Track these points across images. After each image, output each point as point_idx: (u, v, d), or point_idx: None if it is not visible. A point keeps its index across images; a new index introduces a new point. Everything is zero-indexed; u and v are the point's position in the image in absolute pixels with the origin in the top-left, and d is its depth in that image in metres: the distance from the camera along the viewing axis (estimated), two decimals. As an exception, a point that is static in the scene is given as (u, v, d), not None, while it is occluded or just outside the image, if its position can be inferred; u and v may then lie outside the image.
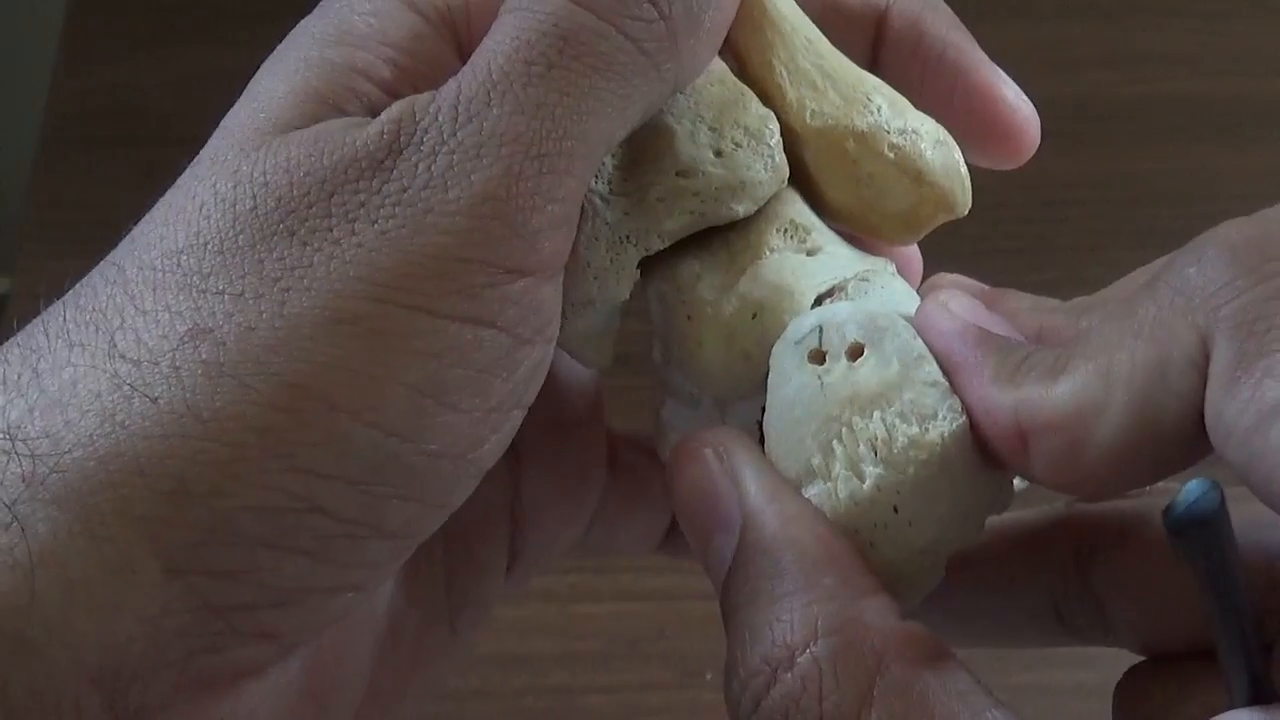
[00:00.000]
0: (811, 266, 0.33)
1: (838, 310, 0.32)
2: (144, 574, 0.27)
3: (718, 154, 0.33)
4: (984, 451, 0.30)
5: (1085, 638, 0.34)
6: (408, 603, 0.35)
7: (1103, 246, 0.73)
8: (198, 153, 0.31)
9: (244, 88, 0.32)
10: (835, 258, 0.34)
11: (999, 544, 0.34)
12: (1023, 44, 0.78)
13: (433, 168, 0.29)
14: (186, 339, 0.28)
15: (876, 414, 0.30)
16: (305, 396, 0.28)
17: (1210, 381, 0.27)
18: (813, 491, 0.31)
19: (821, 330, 0.32)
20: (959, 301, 0.32)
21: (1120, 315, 0.29)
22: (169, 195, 0.31)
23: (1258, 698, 0.27)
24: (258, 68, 0.32)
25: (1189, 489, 0.25)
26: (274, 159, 0.29)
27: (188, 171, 0.31)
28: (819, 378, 0.31)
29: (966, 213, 0.35)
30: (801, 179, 0.34)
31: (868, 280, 0.33)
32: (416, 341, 0.28)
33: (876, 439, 0.30)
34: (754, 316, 0.33)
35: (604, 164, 0.33)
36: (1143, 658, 0.33)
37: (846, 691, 0.28)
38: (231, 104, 0.31)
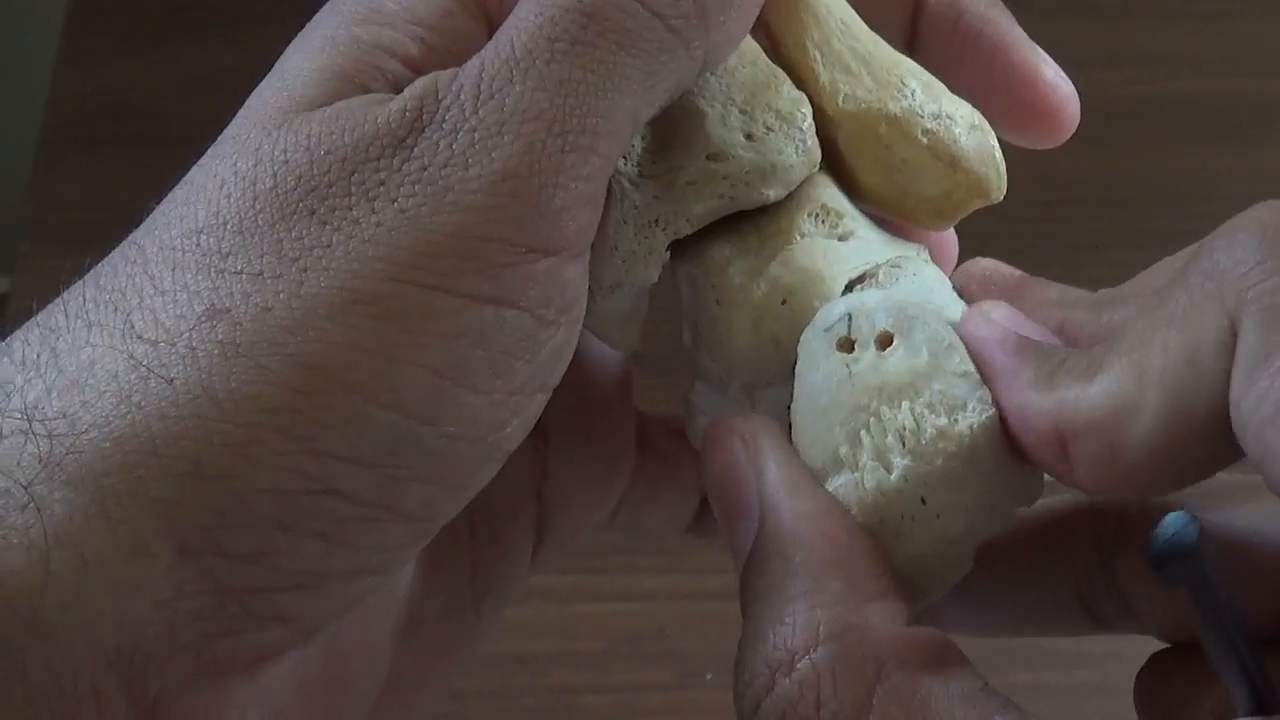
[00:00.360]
0: (843, 252, 0.33)
1: (867, 298, 0.32)
2: (159, 556, 0.27)
3: (749, 137, 0.32)
4: (1026, 459, 0.30)
5: (1111, 626, 0.33)
6: (430, 587, 0.34)
7: (1103, 246, 0.73)
8: (198, 153, 0.31)
9: (245, 88, 0.31)
10: (867, 243, 0.33)
11: (1022, 533, 0.33)
12: (1023, 44, 0.78)
13: (454, 145, 0.29)
14: (203, 319, 0.28)
15: (905, 404, 0.30)
16: (322, 378, 0.28)
17: (1235, 368, 0.26)
18: (840, 481, 0.30)
19: (850, 318, 0.31)
20: (1001, 310, 0.31)
21: (1153, 307, 0.28)
22: (192, 173, 0.30)
23: (1260, 707, 0.27)
24: (258, 67, 0.32)
25: (1166, 524, 0.25)
26: (295, 137, 0.29)
27: (211, 149, 0.31)
28: (847, 366, 0.31)
29: (1001, 198, 0.34)
30: (834, 163, 0.34)
31: (899, 267, 0.33)
32: (436, 322, 0.28)
33: (905, 429, 0.30)
34: (783, 302, 0.32)
35: (633, 146, 0.33)
36: (1166, 645, 0.32)
37: (845, 699, 0.27)
38: (232, 104, 0.31)
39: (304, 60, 0.31)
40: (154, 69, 0.81)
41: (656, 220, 0.32)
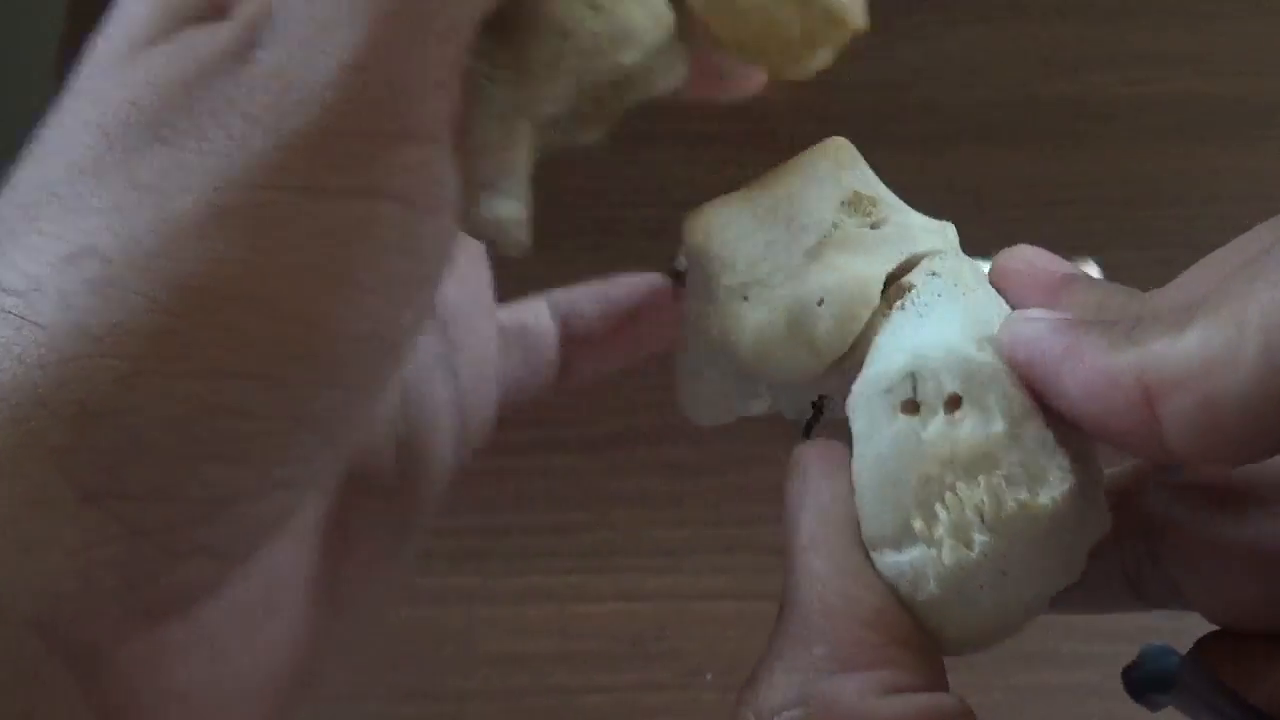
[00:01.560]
0: (878, 243, 0.32)
1: (931, 357, 0.30)
2: (61, 505, 0.26)
3: (594, 8, 0.32)
4: (1103, 431, 0.28)
5: (1160, 604, 0.33)
6: (353, 501, 0.34)
7: (1103, 246, 0.73)
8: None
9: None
10: (903, 229, 0.33)
11: None
12: (1022, 44, 0.78)
13: (292, 48, 0.28)
14: (68, 260, 0.27)
15: (982, 478, 0.29)
16: (198, 296, 0.27)
17: None
18: (914, 554, 0.29)
19: (914, 379, 0.30)
20: (1038, 310, 0.30)
21: (1248, 266, 0.27)
22: (43, 133, 0.30)
23: None
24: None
25: (1142, 657, 0.25)
26: (137, 74, 0.29)
27: (58, 104, 0.30)
28: (915, 433, 0.29)
29: (865, 25, 0.34)
30: (691, 24, 0.34)
31: (937, 275, 0.32)
32: (306, 223, 0.28)
33: (984, 505, 0.29)
34: (820, 303, 0.32)
35: (485, 43, 0.32)
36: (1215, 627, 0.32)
37: None
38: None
39: (137, 3, 0.31)
40: (154, 69, 0.81)
41: (516, 108, 0.32)
